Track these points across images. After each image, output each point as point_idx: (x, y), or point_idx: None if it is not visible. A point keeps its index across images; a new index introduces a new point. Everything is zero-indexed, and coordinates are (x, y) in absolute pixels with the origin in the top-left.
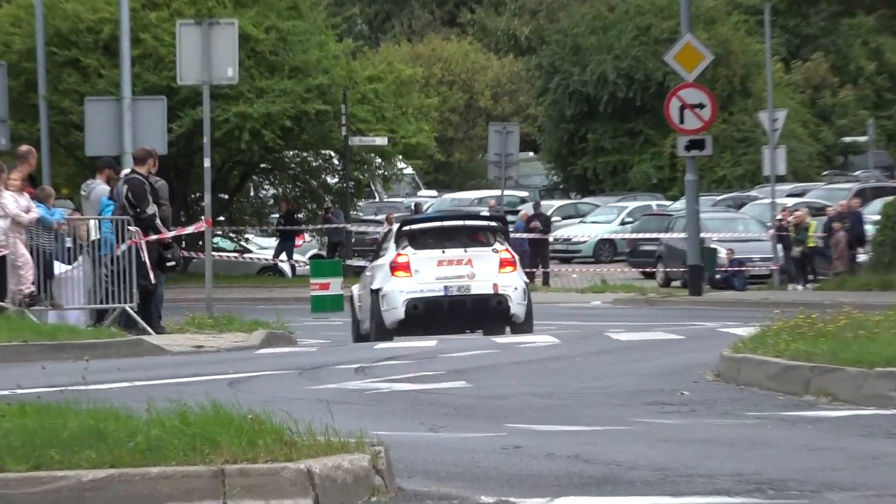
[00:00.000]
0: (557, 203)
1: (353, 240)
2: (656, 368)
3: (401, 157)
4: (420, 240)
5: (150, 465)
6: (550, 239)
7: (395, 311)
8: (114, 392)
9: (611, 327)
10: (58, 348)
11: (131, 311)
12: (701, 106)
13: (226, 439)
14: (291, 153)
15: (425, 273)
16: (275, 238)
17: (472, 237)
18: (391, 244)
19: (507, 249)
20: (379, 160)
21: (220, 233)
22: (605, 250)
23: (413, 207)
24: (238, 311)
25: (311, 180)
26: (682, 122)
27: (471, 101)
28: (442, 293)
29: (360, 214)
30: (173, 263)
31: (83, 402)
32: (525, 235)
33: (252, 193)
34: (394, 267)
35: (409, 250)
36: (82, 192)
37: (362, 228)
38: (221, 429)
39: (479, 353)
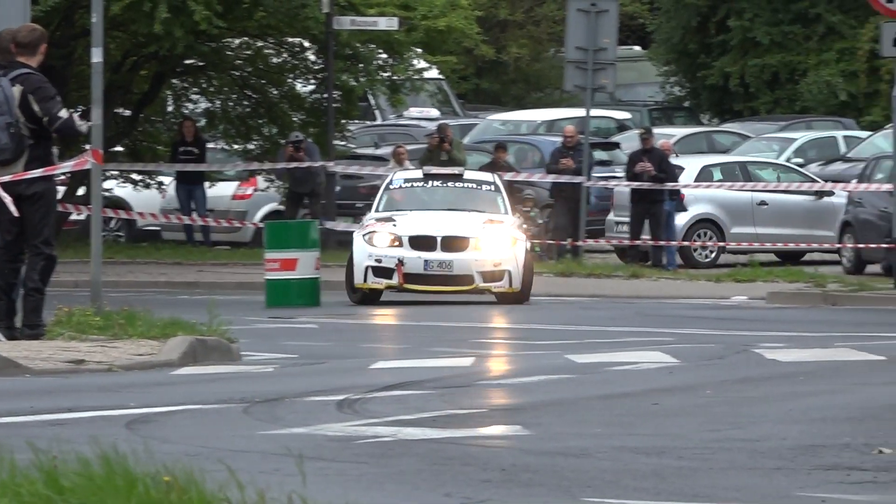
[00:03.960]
0: (680, 132)
1: (338, 189)
2: (838, 409)
3: (421, 50)
4: None
5: None
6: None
7: None
8: None
9: (763, 340)
10: None
11: None
12: None
13: None
14: (238, 42)
15: None
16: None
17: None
18: None
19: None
20: (384, 56)
21: (115, 172)
22: (758, 211)
23: (436, 133)
24: (145, 304)
25: (269, 88)
26: None
27: None
28: None
29: (351, 147)
30: None
31: None
32: (628, 185)
33: (171, 108)
34: None
35: None
36: None
37: (353, 171)
38: (116, 501)
39: (544, 380)
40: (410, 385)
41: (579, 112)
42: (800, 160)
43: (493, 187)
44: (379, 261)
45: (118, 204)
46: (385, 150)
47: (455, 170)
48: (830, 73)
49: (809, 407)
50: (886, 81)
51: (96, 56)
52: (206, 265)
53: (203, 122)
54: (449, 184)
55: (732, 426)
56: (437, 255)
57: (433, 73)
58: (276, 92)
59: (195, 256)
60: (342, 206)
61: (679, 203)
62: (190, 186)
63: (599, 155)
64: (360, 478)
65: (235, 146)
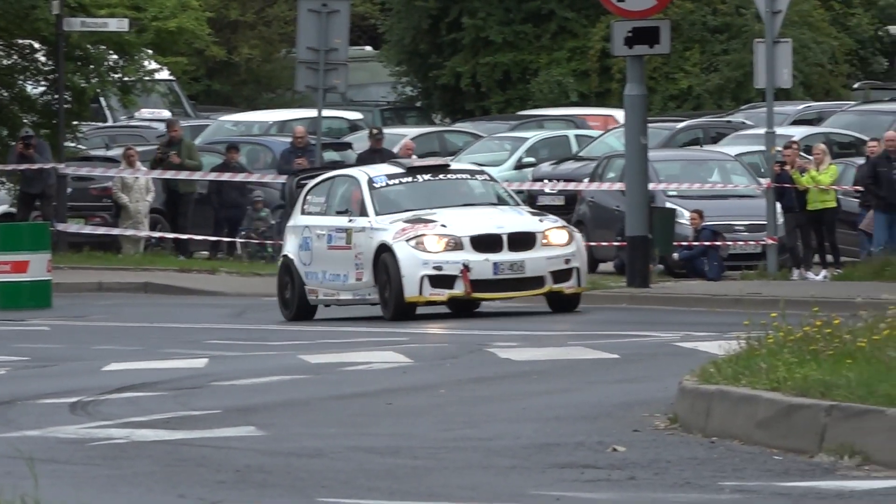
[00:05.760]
0: (412, 131)
1: (70, 190)
2: (572, 408)
3: (151, 52)
4: None
5: None
6: None
7: None
8: None
9: (496, 339)
10: None
11: None
12: None
13: None
14: None
15: None
16: None
17: None
18: None
19: None
20: (115, 57)
21: None
22: None
23: (166, 130)
24: None
25: None
26: None
27: None
28: None
29: (83, 149)
30: None
31: None
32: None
33: None
34: None
35: None
36: None
37: (84, 172)
38: None
39: (276, 381)
40: (143, 387)
41: (311, 112)
42: (532, 159)
43: (488, 177)
44: (439, 268)
45: None
46: (116, 152)
47: (440, 160)
48: (562, 72)
49: (543, 406)
50: (618, 80)
51: None
52: None
53: None
54: (440, 176)
55: (466, 425)
56: (506, 255)
57: (164, 74)
58: (6, 94)
59: None
60: (73, 208)
61: None
62: None
63: (331, 155)
64: (94, 480)
65: None
